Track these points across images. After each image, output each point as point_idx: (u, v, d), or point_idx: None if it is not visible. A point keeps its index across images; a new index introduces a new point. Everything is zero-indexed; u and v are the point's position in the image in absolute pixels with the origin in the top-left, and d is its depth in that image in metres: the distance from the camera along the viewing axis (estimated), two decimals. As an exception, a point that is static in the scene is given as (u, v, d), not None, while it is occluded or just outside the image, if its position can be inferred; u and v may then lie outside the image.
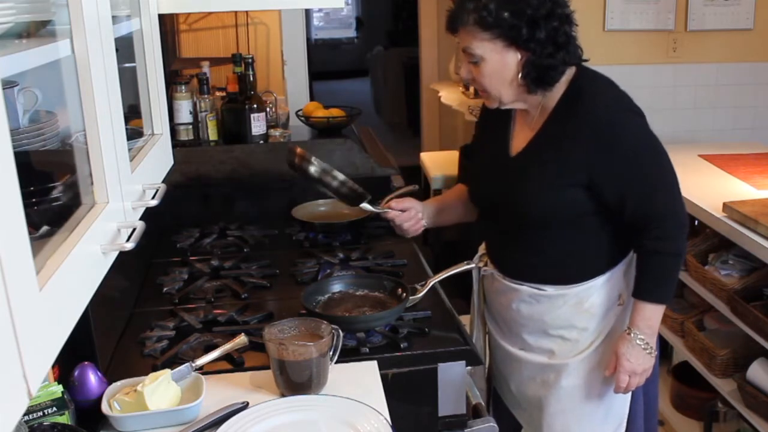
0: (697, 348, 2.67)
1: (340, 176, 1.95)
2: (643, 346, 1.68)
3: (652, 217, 1.64)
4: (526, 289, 1.76)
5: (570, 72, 1.67)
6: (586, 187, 1.64)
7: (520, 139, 1.75)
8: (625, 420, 1.80)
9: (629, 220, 1.66)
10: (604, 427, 1.80)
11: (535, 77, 1.61)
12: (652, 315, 1.68)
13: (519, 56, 1.60)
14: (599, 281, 1.73)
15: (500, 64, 1.62)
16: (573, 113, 1.64)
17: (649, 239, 1.65)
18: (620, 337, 1.70)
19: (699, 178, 2.93)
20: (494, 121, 1.79)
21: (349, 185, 1.96)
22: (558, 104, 1.67)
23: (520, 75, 1.62)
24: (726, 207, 2.47)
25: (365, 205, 1.96)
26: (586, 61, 1.69)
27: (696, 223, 2.77)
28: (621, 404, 1.79)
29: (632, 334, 1.68)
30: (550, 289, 1.74)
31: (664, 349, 3.00)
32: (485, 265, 1.90)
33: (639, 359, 1.68)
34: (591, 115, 1.62)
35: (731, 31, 3.67)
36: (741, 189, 2.76)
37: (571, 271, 1.73)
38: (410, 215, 1.92)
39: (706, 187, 2.78)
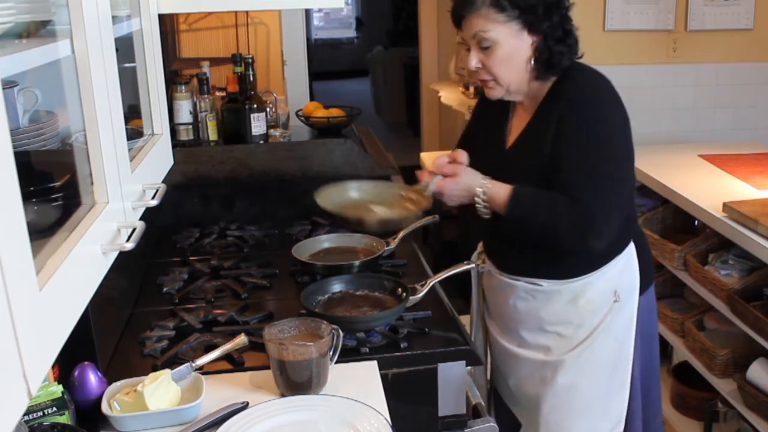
0: (697, 348, 2.67)
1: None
2: (475, 197, 1.69)
3: (578, 202, 1.60)
4: (522, 284, 1.78)
5: None
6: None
7: (514, 134, 1.78)
8: (624, 418, 1.81)
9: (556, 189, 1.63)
10: (602, 424, 1.80)
11: (546, 59, 1.64)
12: (499, 196, 1.66)
13: (531, 40, 1.64)
14: (594, 277, 1.74)
15: (514, 48, 1.65)
16: (556, 99, 1.67)
17: (567, 202, 1.61)
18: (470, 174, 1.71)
19: (699, 178, 2.93)
20: (492, 115, 1.81)
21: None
22: (546, 94, 1.70)
23: (532, 59, 1.65)
24: (726, 207, 2.47)
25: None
26: (580, 57, 1.73)
27: (696, 223, 2.77)
28: (619, 402, 1.79)
29: (481, 188, 1.68)
30: (545, 284, 1.75)
31: (664, 349, 3.00)
32: (483, 262, 1.91)
33: (456, 193, 1.72)
34: (567, 97, 1.65)
35: (731, 31, 3.67)
36: (741, 189, 2.76)
37: (566, 264, 1.74)
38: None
39: (706, 187, 2.78)
